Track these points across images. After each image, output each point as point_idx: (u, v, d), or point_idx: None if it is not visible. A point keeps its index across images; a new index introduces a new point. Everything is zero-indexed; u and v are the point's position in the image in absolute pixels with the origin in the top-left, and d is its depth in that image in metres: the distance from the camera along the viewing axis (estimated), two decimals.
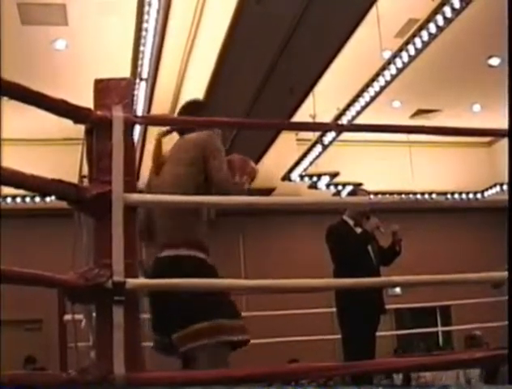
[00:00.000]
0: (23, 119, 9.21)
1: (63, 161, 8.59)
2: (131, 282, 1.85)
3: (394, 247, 5.08)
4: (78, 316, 2.30)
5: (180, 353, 2.61)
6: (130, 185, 1.94)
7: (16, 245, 10.09)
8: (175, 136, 3.02)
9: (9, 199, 10.08)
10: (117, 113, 1.96)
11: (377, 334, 4.99)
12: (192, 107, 3.02)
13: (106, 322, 1.84)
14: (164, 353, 2.72)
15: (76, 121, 1.99)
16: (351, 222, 5.02)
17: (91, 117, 1.97)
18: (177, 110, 3.12)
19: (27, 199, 10.10)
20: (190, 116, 2.89)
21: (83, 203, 1.92)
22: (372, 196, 10.32)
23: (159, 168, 2.81)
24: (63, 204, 2.03)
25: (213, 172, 2.68)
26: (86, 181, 2.07)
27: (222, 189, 2.63)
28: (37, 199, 10.10)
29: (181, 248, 2.62)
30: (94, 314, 1.97)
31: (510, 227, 1.82)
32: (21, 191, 7.30)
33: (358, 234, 4.95)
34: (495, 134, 4.13)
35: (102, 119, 1.96)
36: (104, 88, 2.04)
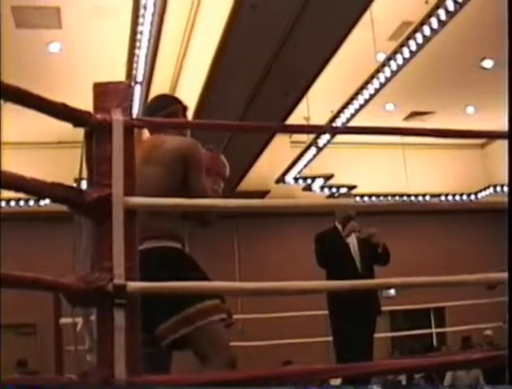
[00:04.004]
0: (17, 122, 9.19)
1: (57, 164, 8.60)
2: (132, 285, 1.84)
3: (376, 249, 5.04)
4: (77, 320, 2.29)
5: (161, 347, 2.56)
6: (130, 188, 1.94)
7: (15, 249, 10.09)
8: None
9: (3, 203, 10.05)
10: (117, 117, 1.95)
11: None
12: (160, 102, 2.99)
13: (107, 325, 1.84)
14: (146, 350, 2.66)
15: (76, 124, 1.98)
16: (340, 227, 5.08)
17: (90, 121, 1.96)
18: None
19: (21, 203, 10.09)
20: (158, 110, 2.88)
21: (83, 206, 1.91)
22: (366, 198, 10.40)
23: None
24: (62, 208, 2.03)
25: (193, 185, 2.65)
26: (82, 185, 2.06)
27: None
28: (31, 203, 10.09)
29: (155, 240, 2.59)
30: (92, 318, 1.97)
31: (510, 228, 1.83)
32: (17, 194, 7.26)
33: (340, 240, 4.99)
34: (491, 135, 4.15)
35: (102, 122, 1.95)
36: (103, 92, 2.03)
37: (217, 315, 2.54)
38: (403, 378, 7.22)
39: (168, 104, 2.96)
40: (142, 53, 6.62)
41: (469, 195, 11.26)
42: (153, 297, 2.26)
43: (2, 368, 8.19)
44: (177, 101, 3.01)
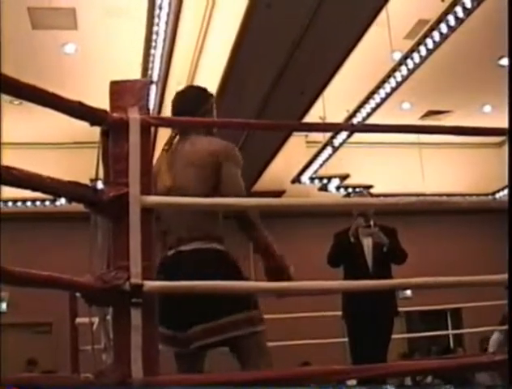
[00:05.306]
0: (32, 123, 9.26)
1: (73, 165, 8.63)
2: (149, 284, 1.83)
3: (382, 248, 4.96)
4: (93, 319, 2.29)
5: (193, 347, 2.58)
6: (147, 187, 1.93)
7: (31, 249, 10.15)
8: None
9: (19, 203, 10.11)
10: (134, 115, 1.94)
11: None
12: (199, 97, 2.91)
13: (123, 324, 1.83)
14: (175, 348, 2.67)
15: (92, 123, 1.98)
16: None
17: (107, 120, 1.95)
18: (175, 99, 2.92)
19: (37, 203, 10.16)
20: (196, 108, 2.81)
21: (99, 205, 1.90)
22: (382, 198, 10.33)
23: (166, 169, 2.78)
24: (78, 207, 2.03)
25: (227, 176, 2.65)
26: (98, 184, 2.06)
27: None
28: (47, 203, 10.15)
29: (201, 241, 2.62)
30: (108, 317, 1.96)
31: (510, 228, 1.81)
32: (33, 194, 7.32)
33: (354, 239, 4.94)
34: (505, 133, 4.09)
35: (118, 121, 1.94)
36: (119, 90, 2.02)
37: (245, 330, 2.56)
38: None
39: (206, 99, 2.90)
40: (157, 53, 6.63)
41: (486, 195, 11.17)
42: (191, 298, 2.29)
43: (14, 366, 8.23)
44: (210, 94, 2.96)
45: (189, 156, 2.71)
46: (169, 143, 2.84)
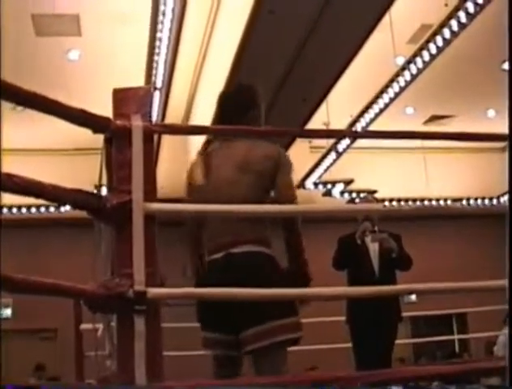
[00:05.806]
0: (35, 129, 9.28)
1: (75, 171, 8.66)
2: (152, 291, 1.83)
3: (391, 254, 4.95)
4: (97, 325, 2.29)
5: (241, 351, 2.57)
6: (150, 194, 1.93)
7: (36, 255, 10.17)
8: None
9: (24, 209, 10.13)
10: (137, 123, 1.95)
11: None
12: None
13: (127, 331, 1.83)
14: (222, 352, 2.63)
15: (95, 130, 1.98)
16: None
17: (110, 127, 1.96)
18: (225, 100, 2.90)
19: (42, 209, 10.18)
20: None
21: (103, 212, 1.90)
22: (386, 203, 10.34)
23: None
24: (83, 214, 2.03)
25: (282, 183, 2.66)
26: (102, 191, 2.06)
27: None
28: (52, 209, 10.17)
29: (252, 244, 2.59)
30: (112, 324, 1.97)
31: (511, 229, 1.81)
32: (37, 201, 7.34)
33: (360, 243, 4.93)
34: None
35: (121, 128, 1.95)
36: (122, 97, 2.03)
37: (295, 334, 2.55)
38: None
39: (258, 102, 2.88)
40: (161, 60, 6.65)
41: (491, 199, 11.15)
42: (242, 302, 2.29)
43: (21, 372, 8.25)
44: (261, 99, 2.91)
45: (239, 160, 2.67)
46: (205, 147, 2.79)
